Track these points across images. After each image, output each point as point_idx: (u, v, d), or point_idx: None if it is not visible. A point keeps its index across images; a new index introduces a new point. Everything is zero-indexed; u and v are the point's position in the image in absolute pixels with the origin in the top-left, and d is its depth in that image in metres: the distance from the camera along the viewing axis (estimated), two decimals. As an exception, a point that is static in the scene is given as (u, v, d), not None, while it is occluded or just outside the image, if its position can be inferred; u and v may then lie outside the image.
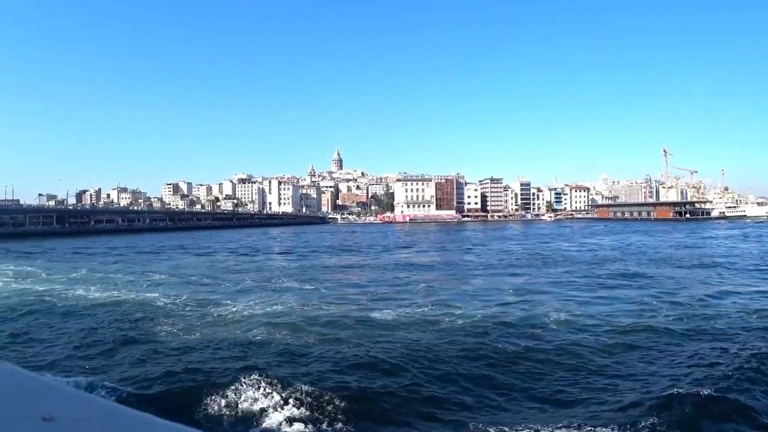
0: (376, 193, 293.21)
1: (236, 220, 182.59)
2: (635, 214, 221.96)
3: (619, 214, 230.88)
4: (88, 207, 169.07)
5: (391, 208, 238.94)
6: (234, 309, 21.08)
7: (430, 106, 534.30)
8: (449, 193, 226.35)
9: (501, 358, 13.47)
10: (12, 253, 57.50)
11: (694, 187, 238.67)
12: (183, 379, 11.93)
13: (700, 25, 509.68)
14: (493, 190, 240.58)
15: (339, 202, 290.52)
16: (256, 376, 11.29)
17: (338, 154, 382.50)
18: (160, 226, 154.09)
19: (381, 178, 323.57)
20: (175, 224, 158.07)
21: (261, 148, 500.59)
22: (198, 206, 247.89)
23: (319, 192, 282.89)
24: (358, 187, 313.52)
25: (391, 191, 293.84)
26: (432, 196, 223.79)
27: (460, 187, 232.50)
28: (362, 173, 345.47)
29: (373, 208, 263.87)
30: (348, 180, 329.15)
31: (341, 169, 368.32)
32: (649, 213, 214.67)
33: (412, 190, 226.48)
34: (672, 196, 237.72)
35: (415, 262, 44.52)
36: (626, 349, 14.17)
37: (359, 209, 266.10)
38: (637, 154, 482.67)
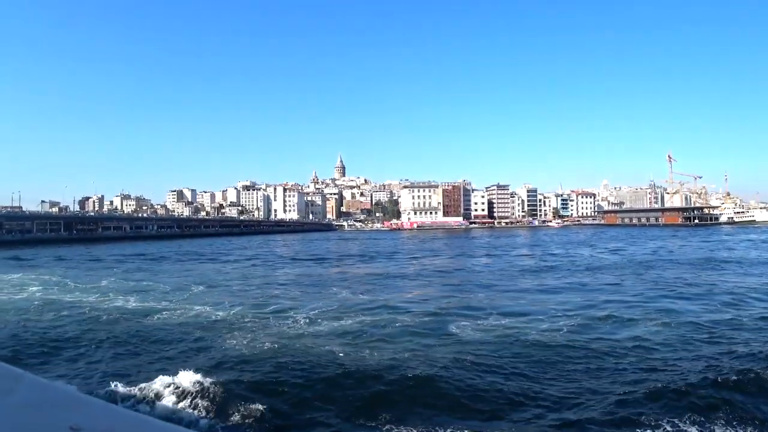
0: (380, 200, 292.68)
1: (243, 228, 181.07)
2: (643, 220, 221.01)
3: (627, 220, 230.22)
4: (93, 214, 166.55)
5: (397, 215, 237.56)
6: (301, 321, 19.21)
7: (432, 113, 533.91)
8: (456, 199, 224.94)
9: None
10: (24, 261, 55.58)
11: (696, 193, 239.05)
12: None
13: (704, 29, 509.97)
14: (500, 196, 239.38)
15: (343, 208, 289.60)
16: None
17: (341, 161, 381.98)
18: (168, 233, 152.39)
19: (384, 185, 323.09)
20: (183, 231, 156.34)
21: (264, 155, 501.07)
22: (202, 213, 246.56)
23: (324, 199, 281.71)
24: (362, 194, 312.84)
25: (395, 198, 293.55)
26: (439, 202, 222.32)
27: (466, 193, 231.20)
28: (365, 180, 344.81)
29: (377, 215, 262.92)
30: (352, 187, 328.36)
31: (344, 176, 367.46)
32: (657, 219, 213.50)
33: (418, 197, 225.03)
34: (677, 201, 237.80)
35: (451, 268, 42.70)
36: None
37: (364, 216, 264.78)
38: (639, 159, 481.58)
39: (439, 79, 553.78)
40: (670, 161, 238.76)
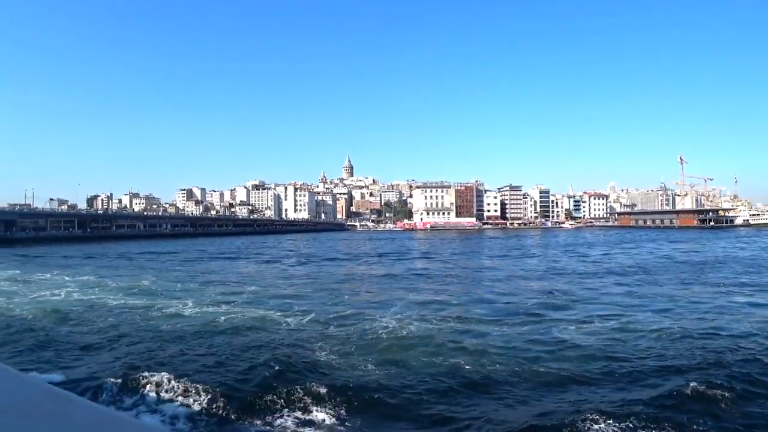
0: (389, 200, 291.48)
1: (256, 227, 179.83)
2: (657, 222, 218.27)
3: (640, 222, 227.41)
4: (107, 212, 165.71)
5: (408, 215, 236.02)
6: (383, 324, 17.50)
7: (440, 114, 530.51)
8: (469, 200, 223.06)
9: None
10: (45, 259, 54.36)
11: (704, 195, 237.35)
12: None
13: (714, 30, 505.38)
14: (512, 197, 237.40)
15: (353, 208, 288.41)
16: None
17: (349, 160, 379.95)
18: (182, 231, 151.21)
19: (392, 186, 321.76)
20: (196, 230, 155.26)
21: (272, 155, 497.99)
22: (212, 212, 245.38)
23: (334, 199, 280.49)
24: (371, 194, 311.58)
25: (404, 198, 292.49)
26: (451, 203, 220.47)
27: (479, 194, 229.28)
28: (373, 180, 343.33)
29: (388, 215, 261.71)
30: (361, 187, 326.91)
31: (352, 176, 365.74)
32: (671, 221, 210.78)
33: (431, 197, 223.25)
34: (687, 203, 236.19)
35: (502, 268, 40.94)
36: None
37: (375, 216, 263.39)
38: (648, 161, 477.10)
39: (445, 79, 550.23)
40: (681, 163, 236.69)
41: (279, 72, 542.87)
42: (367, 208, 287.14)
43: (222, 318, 19.41)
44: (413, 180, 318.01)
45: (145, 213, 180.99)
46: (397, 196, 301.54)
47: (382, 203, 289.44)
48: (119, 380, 11.51)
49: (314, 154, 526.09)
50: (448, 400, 10.56)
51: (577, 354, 13.82)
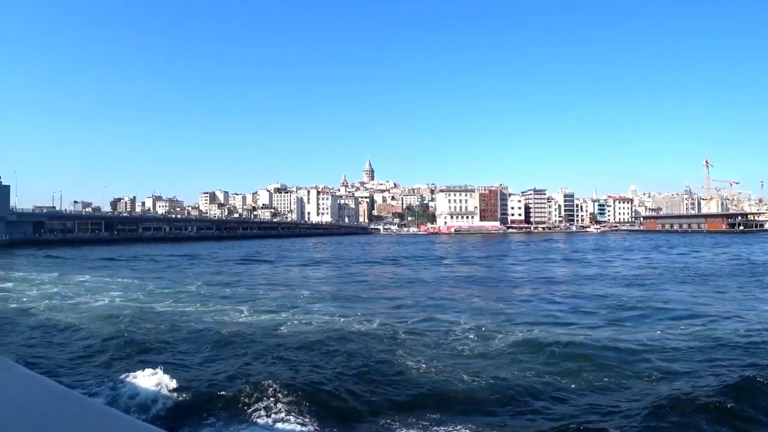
0: (410, 204, 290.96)
1: (281, 230, 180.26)
2: (684, 226, 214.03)
3: (667, 226, 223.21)
4: (127, 214, 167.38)
5: (432, 219, 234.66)
6: (466, 329, 16.45)
7: (460, 118, 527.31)
8: (493, 204, 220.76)
9: None
10: (77, 261, 54.32)
11: (728, 199, 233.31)
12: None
13: (739, 29, 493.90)
14: (536, 201, 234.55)
15: (374, 212, 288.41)
16: None
17: (369, 164, 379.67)
18: (207, 234, 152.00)
19: (413, 189, 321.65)
20: (222, 233, 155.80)
21: (292, 158, 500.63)
22: (235, 215, 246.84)
23: (357, 202, 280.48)
24: (393, 198, 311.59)
25: (425, 202, 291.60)
26: (475, 207, 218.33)
27: (503, 198, 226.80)
28: (395, 184, 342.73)
29: (409, 218, 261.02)
30: (382, 191, 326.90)
31: (372, 179, 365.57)
32: (699, 225, 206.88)
33: (454, 200, 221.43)
34: (713, 207, 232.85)
35: (567, 272, 39.61)
36: None
37: (398, 220, 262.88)
38: (670, 164, 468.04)
39: (463, 84, 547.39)
40: (707, 166, 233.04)
41: (299, 76, 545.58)
42: (388, 212, 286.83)
43: (289, 323, 18.50)
44: (433, 184, 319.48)
45: (170, 215, 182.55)
46: (419, 200, 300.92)
47: (404, 207, 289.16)
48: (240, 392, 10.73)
49: (335, 157, 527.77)
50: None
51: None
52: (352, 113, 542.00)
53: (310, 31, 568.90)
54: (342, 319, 19.40)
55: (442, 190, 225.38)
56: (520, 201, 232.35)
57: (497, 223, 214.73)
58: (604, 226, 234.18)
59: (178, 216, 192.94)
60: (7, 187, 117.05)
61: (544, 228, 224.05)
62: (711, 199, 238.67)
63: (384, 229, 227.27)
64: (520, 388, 11.19)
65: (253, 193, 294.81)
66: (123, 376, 11.64)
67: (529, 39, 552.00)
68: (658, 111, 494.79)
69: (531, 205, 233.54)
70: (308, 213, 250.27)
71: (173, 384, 11.07)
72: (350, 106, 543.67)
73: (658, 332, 16.67)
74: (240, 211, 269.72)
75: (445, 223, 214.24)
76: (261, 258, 62.20)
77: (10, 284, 31.01)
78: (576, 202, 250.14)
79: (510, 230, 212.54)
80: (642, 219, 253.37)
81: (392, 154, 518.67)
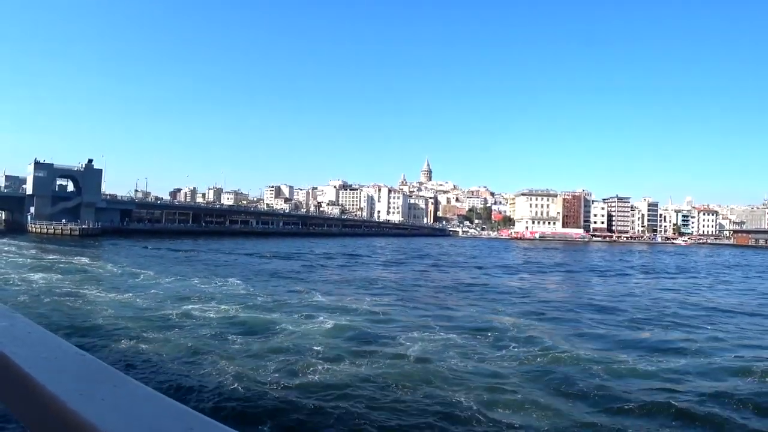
0: (474, 206, 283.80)
1: (364, 228, 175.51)
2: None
3: (762, 242, 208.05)
4: (222, 206, 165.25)
5: (508, 222, 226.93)
6: None
7: (517, 121, 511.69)
8: (576, 210, 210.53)
9: None
10: (193, 255, 51.69)
11: None
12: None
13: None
14: (619, 209, 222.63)
15: (439, 213, 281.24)
16: None
17: (428, 164, 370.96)
18: (293, 230, 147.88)
19: (473, 191, 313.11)
20: (308, 229, 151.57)
21: (348, 155, 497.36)
22: (302, 210, 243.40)
23: (426, 203, 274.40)
24: (457, 199, 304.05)
25: (488, 205, 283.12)
26: (558, 212, 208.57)
27: (586, 204, 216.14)
28: (454, 185, 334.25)
29: (476, 221, 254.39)
30: (445, 191, 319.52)
31: (430, 180, 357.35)
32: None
33: (536, 205, 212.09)
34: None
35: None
36: None
37: (467, 222, 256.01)
38: (745, 176, 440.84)
39: (518, 85, 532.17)
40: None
41: (362, 72, 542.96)
42: (453, 213, 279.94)
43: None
44: (485, 187, 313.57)
45: (257, 209, 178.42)
46: (482, 202, 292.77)
47: (468, 209, 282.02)
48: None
49: (392, 156, 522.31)
50: None
51: None
52: (409, 115, 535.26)
53: (375, 33, 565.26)
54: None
55: (523, 194, 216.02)
56: (603, 208, 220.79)
57: (581, 231, 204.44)
58: (690, 239, 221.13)
59: (251, 209, 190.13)
60: (100, 171, 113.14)
61: (627, 237, 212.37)
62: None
63: (462, 231, 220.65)
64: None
65: (314, 189, 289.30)
66: None
67: (612, 37, 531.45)
68: (734, 122, 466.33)
69: (613, 213, 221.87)
70: (378, 211, 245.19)
71: None
72: (411, 101, 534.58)
73: None
74: (309, 206, 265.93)
75: (527, 228, 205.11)
76: (382, 261, 56.06)
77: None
78: (660, 211, 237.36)
79: (594, 238, 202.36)
80: (731, 233, 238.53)
81: (448, 155, 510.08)
